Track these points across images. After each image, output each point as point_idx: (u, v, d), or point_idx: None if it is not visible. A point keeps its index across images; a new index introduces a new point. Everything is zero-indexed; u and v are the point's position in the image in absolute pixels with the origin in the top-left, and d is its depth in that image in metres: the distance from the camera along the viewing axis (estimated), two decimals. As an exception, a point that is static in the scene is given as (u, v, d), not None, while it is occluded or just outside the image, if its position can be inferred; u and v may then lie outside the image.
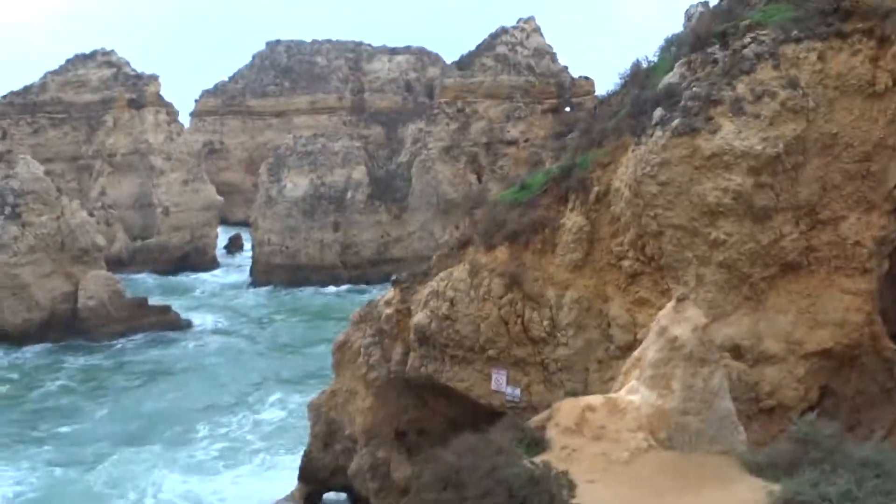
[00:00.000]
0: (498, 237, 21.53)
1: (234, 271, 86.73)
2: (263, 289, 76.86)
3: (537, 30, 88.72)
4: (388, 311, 23.62)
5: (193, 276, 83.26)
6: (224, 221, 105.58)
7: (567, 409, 14.26)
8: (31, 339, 53.06)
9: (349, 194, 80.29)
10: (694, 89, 17.89)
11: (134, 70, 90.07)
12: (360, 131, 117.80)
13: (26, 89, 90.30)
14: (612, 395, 14.84)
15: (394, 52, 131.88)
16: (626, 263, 19.62)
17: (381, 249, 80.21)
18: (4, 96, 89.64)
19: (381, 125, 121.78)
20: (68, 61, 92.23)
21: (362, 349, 23.91)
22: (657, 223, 18.19)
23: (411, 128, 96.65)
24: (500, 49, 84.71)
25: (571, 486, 10.53)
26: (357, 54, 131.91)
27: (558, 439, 13.44)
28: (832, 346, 18.50)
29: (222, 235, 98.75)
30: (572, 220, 20.49)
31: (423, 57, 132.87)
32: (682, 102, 17.82)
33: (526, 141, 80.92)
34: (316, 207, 79.41)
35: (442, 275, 22.09)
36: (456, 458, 11.41)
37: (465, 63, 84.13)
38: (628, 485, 12.18)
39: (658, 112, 18.12)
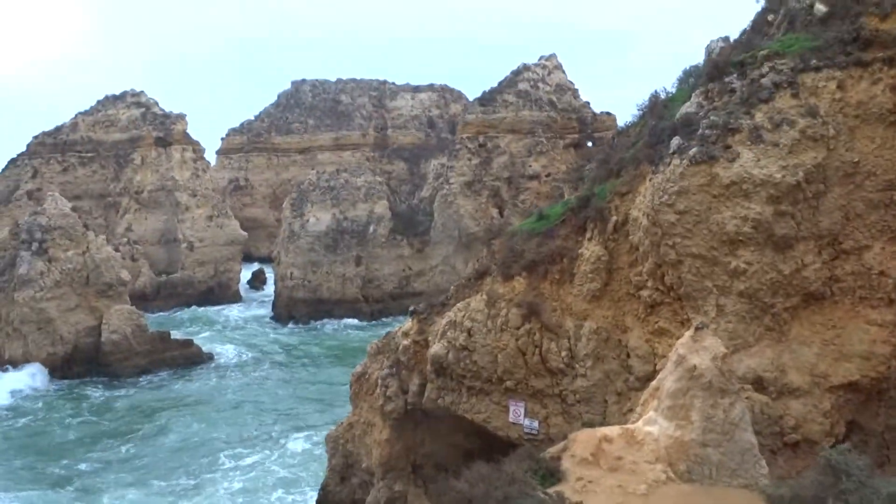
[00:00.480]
0: (516, 267, 21.40)
1: (256, 305, 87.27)
2: (286, 323, 77.17)
3: (559, 67, 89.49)
4: (406, 342, 23.47)
5: (216, 309, 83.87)
6: (248, 257, 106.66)
7: (583, 439, 13.97)
8: (55, 372, 53.54)
9: (371, 228, 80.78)
10: (711, 118, 17.79)
11: (162, 109, 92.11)
12: (384, 167, 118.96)
13: (57, 129, 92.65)
14: (630, 425, 14.53)
15: (417, 89, 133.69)
16: (644, 293, 19.35)
17: (403, 283, 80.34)
18: (36, 136, 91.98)
19: (403, 161, 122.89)
20: (99, 102, 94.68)
21: (379, 380, 23.73)
22: (676, 252, 17.97)
23: (434, 163, 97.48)
24: (522, 85, 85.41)
25: (586, 518, 10.24)
26: (380, 92, 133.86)
27: (574, 470, 13.14)
28: (858, 379, 17.99)
29: (246, 270, 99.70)
30: (590, 249, 20.32)
31: (445, 94, 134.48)
32: (700, 131, 17.71)
33: (548, 175, 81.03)
34: (338, 242, 79.93)
35: (459, 305, 21.95)
36: (468, 488, 11.20)
37: (487, 99, 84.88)
38: (646, 518, 11.85)
39: (675, 141, 18.02)
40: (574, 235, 21.06)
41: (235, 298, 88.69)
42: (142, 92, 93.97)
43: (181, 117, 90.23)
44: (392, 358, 23.85)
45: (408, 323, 24.18)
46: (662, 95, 22.66)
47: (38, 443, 44.37)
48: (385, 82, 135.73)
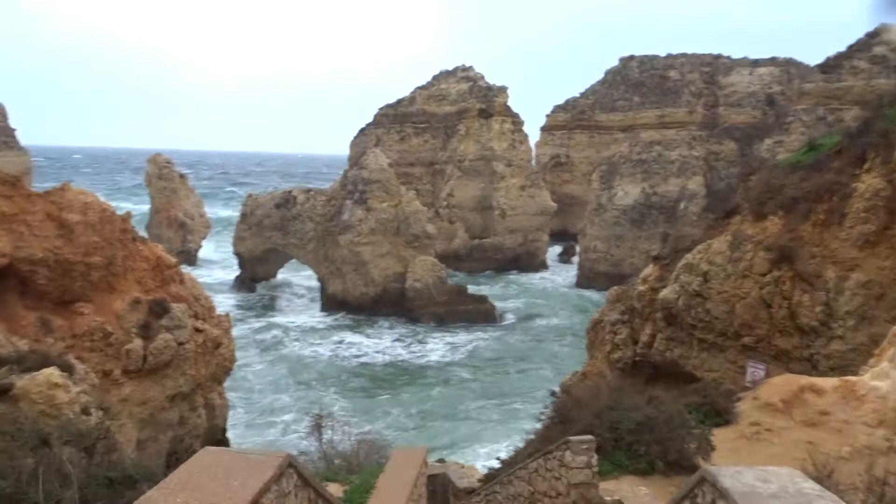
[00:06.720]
0: (771, 205, 17.99)
1: (560, 276, 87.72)
2: (586, 291, 76.53)
3: (934, 26, 74.83)
4: (642, 287, 21.21)
5: (521, 275, 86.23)
6: (564, 232, 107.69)
7: (778, 384, 11.14)
8: (365, 310, 59.54)
9: (682, 205, 76.11)
10: None
11: (486, 82, 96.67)
12: (711, 147, 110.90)
13: (398, 102, 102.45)
14: (852, 377, 11.17)
15: (756, 63, 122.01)
16: (936, 239, 14.86)
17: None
18: (381, 108, 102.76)
19: (734, 141, 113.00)
20: (434, 77, 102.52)
21: (608, 326, 21.82)
22: (980, 179, 13.40)
23: (766, 142, 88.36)
24: (879, 49, 73.18)
25: (705, 445, 7.88)
26: (713, 67, 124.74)
27: (750, 414, 10.46)
28: None
29: (559, 245, 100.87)
30: (867, 183, 16.21)
31: (789, 69, 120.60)
32: None
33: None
34: (645, 216, 76.77)
35: (699, 247, 19.16)
36: (585, 396, 9.43)
37: (830, 66, 74.35)
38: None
39: None
40: (849, 168, 16.99)
41: (541, 267, 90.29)
42: (471, 67, 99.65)
43: (503, 90, 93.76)
44: (627, 304, 21.75)
45: (648, 268, 21.86)
46: None
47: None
48: (719, 56, 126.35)
